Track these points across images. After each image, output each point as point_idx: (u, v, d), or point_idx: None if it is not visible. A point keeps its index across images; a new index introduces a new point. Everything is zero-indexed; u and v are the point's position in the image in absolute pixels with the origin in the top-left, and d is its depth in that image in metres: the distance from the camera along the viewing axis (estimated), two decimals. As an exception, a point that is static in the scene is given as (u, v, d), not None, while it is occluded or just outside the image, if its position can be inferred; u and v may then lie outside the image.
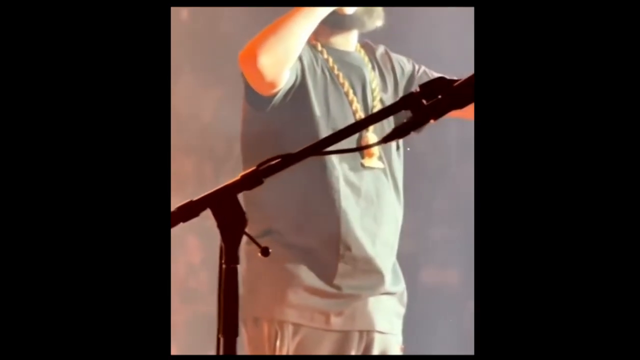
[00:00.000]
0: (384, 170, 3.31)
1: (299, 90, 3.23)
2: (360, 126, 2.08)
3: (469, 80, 1.98)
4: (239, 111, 4.80)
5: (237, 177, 1.97)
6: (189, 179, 5.29)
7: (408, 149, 3.43)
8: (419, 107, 1.97)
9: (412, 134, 3.11)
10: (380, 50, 3.47)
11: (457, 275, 5.42)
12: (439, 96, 1.97)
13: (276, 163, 1.97)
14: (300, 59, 3.23)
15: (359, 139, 3.23)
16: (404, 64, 3.48)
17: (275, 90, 3.17)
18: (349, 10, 3.28)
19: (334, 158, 3.19)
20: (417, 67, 3.49)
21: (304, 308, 3.21)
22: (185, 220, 1.97)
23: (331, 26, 3.31)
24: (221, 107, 5.45)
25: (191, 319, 5.31)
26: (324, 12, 3.20)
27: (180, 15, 5.60)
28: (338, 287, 3.24)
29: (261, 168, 1.97)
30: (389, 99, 3.36)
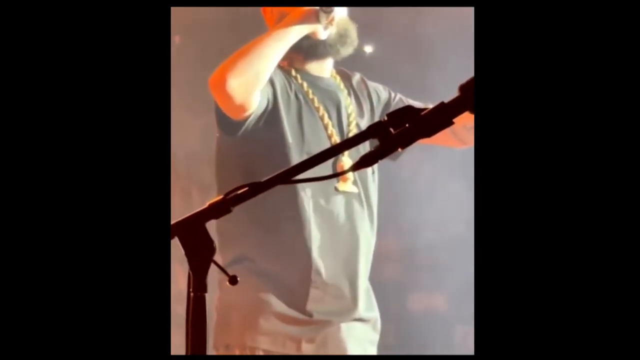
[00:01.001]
0: (358, 194, 3.29)
1: (271, 115, 3.20)
2: (330, 153, 2.07)
3: (436, 109, 1.98)
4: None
5: (205, 206, 1.98)
6: (175, 205, 5.29)
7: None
8: (386, 135, 1.97)
9: (389, 161, 3.14)
10: (356, 77, 3.46)
11: (445, 299, 5.41)
12: (407, 125, 1.97)
13: (244, 192, 1.97)
14: (272, 83, 3.22)
15: (335, 164, 3.22)
16: (380, 91, 3.46)
17: (246, 114, 3.15)
18: (323, 35, 3.26)
19: (307, 184, 3.16)
20: (393, 94, 3.47)
21: (275, 335, 3.18)
22: (154, 248, 1.99)
23: (305, 54, 3.30)
24: (208, 134, 5.46)
25: (180, 345, 5.31)
26: (295, 35, 3.19)
27: (173, 41, 5.62)
28: (309, 314, 3.21)
29: (229, 197, 1.97)
30: (366, 125, 3.32)
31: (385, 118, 1.98)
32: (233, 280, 2.02)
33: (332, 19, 3.23)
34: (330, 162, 3.15)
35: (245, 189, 1.97)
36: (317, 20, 3.20)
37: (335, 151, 2.07)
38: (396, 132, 1.97)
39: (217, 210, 1.97)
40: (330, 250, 3.23)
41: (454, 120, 1.99)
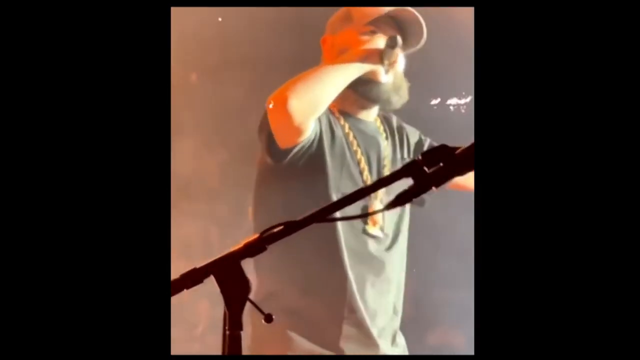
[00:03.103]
0: (387, 237, 3.30)
1: (315, 152, 3.20)
2: (363, 193, 2.08)
3: (470, 148, 1.99)
4: (244, 176, 4.76)
5: (241, 245, 1.98)
6: (194, 243, 5.30)
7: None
8: (421, 174, 1.98)
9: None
10: (395, 121, 3.47)
11: (463, 336, 5.40)
12: (441, 164, 1.99)
13: (279, 230, 1.98)
14: (319, 121, 3.21)
15: (366, 208, 3.20)
16: (414, 135, 3.48)
17: (297, 140, 3.12)
18: (383, 78, 3.26)
19: (339, 224, 3.16)
20: (424, 138, 3.49)
21: None
22: (189, 287, 1.98)
23: (360, 95, 3.30)
24: (226, 172, 5.48)
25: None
26: (356, 71, 3.19)
27: (189, 78, 5.64)
28: (341, 350, 3.20)
29: (265, 235, 1.98)
30: None
31: (420, 157, 1.99)
32: (268, 318, 2.02)
33: (394, 62, 3.24)
34: (360, 204, 3.14)
35: (281, 227, 1.98)
36: (380, 60, 3.21)
37: (369, 190, 2.07)
38: (430, 170, 1.98)
39: (253, 248, 1.98)
40: (364, 289, 3.22)
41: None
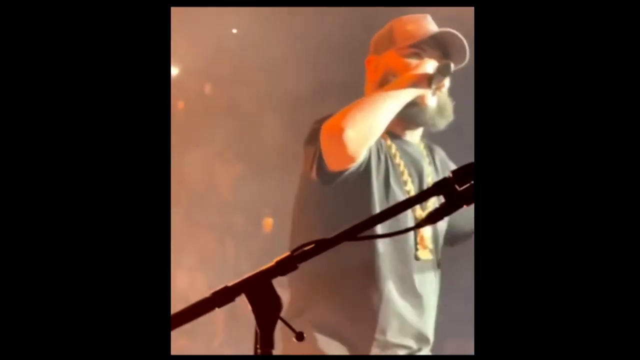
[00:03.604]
0: (432, 261, 3.30)
1: (362, 174, 3.18)
2: (393, 212, 2.08)
3: (501, 165, 2.00)
4: (259, 188, 4.77)
5: (272, 263, 1.98)
6: (210, 255, 5.29)
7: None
8: (452, 192, 1.99)
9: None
10: (439, 151, 3.47)
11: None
12: (472, 182, 1.99)
13: (310, 249, 1.98)
14: None
15: (416, 234, 3.23)
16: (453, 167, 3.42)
17: (348, 166, 3.12)
18: (431, 102, 3.24)
19: (387, 247, 3.18)
20: None
21: None
22: (220, 305, 1.98)
23: (403, 118, 3.27)
24: (241, 184, 5.48)
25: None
26: (407, 97, 3.18)
27: (203, 89, 5.66)
28: None
29: (295, 253, 1.98)
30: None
31: (451, 175, 1.99)
32: (300, 336, 2.01)
33: (442, 86, 3.23)
34: (408, 228, 3.09)
35: (312, 245, 1.98)
36: (428, 85, 3.19)
37: (400, 207, 2.07)
38: (461, 188, 1.99)
39: (284, 267, 1.98)
40: (399, 312, 3.21)
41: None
